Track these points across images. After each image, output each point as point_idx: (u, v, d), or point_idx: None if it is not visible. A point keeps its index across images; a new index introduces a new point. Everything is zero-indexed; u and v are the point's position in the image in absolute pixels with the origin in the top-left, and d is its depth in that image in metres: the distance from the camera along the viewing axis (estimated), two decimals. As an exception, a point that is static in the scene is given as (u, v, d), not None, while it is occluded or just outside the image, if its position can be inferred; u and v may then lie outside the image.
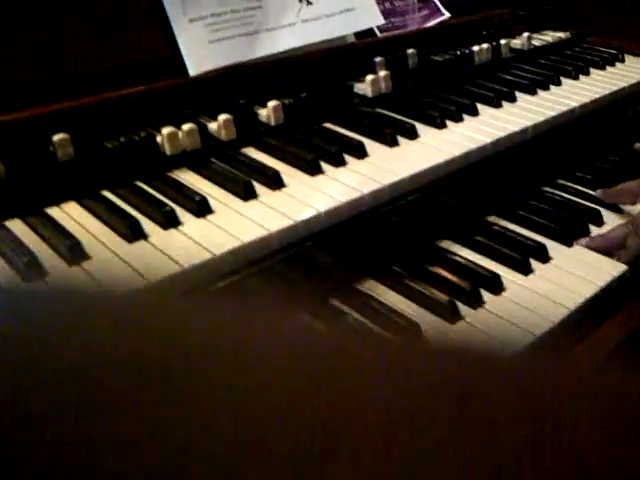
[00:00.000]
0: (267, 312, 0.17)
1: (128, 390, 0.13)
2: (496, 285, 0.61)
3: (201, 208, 0.55)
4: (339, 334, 0.17)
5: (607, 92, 0.90)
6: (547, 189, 0.80)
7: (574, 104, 0.84)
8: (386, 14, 0.86)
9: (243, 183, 0.58)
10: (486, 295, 0.60)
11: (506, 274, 0.63)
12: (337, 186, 0.62)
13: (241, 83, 0.72)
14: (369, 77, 0.78)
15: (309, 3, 0.75)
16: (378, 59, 0.82)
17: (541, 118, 0.79)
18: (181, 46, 0.68)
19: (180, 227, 0.54)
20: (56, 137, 0.57)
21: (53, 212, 0.55)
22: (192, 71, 0.68)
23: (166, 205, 0.55)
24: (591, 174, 0.85)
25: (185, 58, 0.68)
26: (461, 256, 0.66)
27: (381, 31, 0.85)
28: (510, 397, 0.14)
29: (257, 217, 0.56)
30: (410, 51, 0.85)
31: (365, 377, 0.14)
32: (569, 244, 0.69)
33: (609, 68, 1.00)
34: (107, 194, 0.57)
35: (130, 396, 0.13)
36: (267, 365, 0.14)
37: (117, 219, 0.53)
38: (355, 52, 0.82)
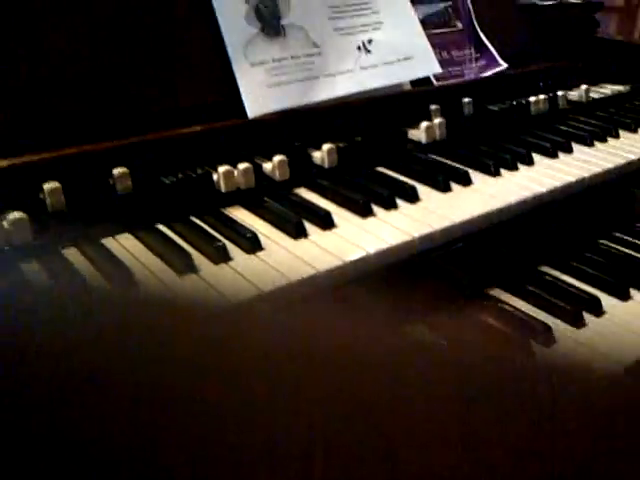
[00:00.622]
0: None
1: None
2: (548, 336, 0.60)
3: (252, 244, 0.56)
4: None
5: (667, 146, 0.88)
6: (604, 242, 0.78)
7: (632, 156, 0.83)
8: (443, 63, 0.88)
9: (294, 222, 0.59)
10: (536, 347, 0.58)
11: (557, 325, 0.61)
12: (387, 229, 0.62)
13: (297, 126, 0.73)
14: (424, 124, 0.79)
15: (368, 51, 0.77)
16: (433, 106, 0.83)
17: (597, 169, 0.78)
18: (241, 89, 0.70)
19: (230, 262, 0.55)
20: (116, 171, 0.60)
21: (108, 243, 0.56)
22: (250, 113, 0.70)
23: (218, 240, 0.56)
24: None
25: (244, 100, 0.70)
26: (512, 305, 0.65)
27: (438, 80, 0.86)
28: None
29: (306, 256, 0.56)
30: (466, 100, 0.86)
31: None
32: (624, 298, 0.66)
33: (670, 123, 0.98)
34: (162, 227, 0.59)
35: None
36: None
37: (169, 252, 0.54)
38: (411, 99, 0.83)
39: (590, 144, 0.85)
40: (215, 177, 0.63)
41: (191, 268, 0.53)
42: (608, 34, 1.26)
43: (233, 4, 0.71)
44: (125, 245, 0.56)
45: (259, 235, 0.58)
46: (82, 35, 0.65)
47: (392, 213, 0.65)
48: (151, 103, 0.67)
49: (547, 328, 0.60)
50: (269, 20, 0.72)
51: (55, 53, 0.63)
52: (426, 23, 0.88)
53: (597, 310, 0.64)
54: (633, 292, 0.67)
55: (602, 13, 2.88)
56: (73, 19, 0.65)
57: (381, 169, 0.75)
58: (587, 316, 0.63)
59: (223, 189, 0.63)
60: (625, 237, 0.81)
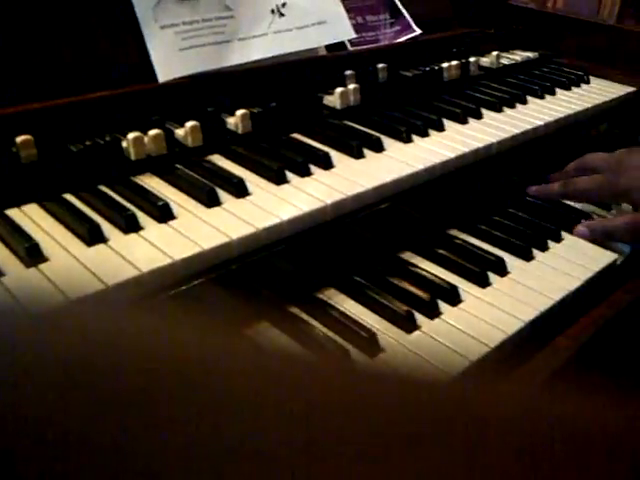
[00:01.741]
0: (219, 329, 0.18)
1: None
2: (454, 297, 0.62)
3: (163, 214, 0.56)
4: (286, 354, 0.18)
5: (571, 112, 0.92)
6: (510, 207, 0.82)
7: (539, 122, 0.86)
8: (358, 29, 0.88)
9: (207, 190, 0.59)
10: (444, 306, 0.61)
11: (465, 287, 0.64)
12: (301, 196, 0.63)
13: (210, 91, 0.72)
14: (338, 89, 0.79)
15: (281, 15, 0.76)
16: (348, 72, 0.83)
17: (506, 135, 0.81)
18: (151, 52, 0.68)
19: (141, 232, 0.54)
20: (19, 138, 0.57)
21: (13, 213, 0.55)
22: (161, 77, 0.68)
23: (128, 209, 0.55)
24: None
25: (155, 64, 0.68)
26: (422, 268, 0.67)
27: (352, 45, 0.87)
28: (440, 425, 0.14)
29: (219, 224, 0.56)
30: (380, 65, 0.86)
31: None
32: (528, 259, 0.70)
33: (574, 89, 1.02)
34: (69, 197, 0.57)
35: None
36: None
37: (77, 222, 0.53)
38: (326, 64, 0.83)
39: (499, 110, 0.88)
40: (124, 144, 0.62)
41: (100, 238, 0.52)
42: (521, 1, 1.30)
43: (141, -37, 0.68)
44: (31, 216, 0.55)
45: (171, 203, 0.57)
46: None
47: (306, 180, 0.66)
48: (57, 67, 0.64)
49: (454, 288, 0.62)
50: (179, -19, 0.70)
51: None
52: (341, -13, 0.88)
53: (502, 271, 0.67)
54: (536, 252, 0.71)
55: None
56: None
57: (296, 135, 0.75)
58: (492, 276, 0.66)
59: (133, 156, 0.62)
60: (532, 201, 0.85)
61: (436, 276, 0.65)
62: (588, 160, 0.84)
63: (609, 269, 0.71)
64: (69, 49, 0.65)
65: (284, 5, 0.76)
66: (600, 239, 0.75)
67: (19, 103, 0.61)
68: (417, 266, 0.67)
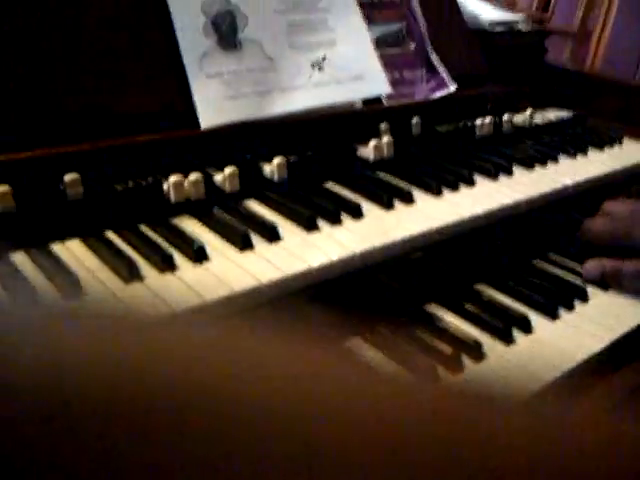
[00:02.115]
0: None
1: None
2: (479, 352, 0.63)
3: (198, 255, 0.58)
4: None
5: (601, 173, 0.93)
6: (537, 262, 0.82)
7: (568, 182, 0.87)
8: (394, 83, 0.91)
9: (241, 234, 0.61)
10: (467, 362, 0.61)
11: (489, 342, 0.65)
12: (331, 243, 0.64)
13: (250, 138, 0.75)
14: (372, 142, 0.81)
15: (321, 68, 0.79)
16: (383, 125, 0.86)
17: (535, 193, 0.82)
18: (196, 100, 0.71)
19: (176, 272, 0.56)
20: (68, 177, 0.61)
21: (57, 248, 0.57)
22: (204, 124, 0.71)
23: (165, 250, 0.57)
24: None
25: (198, 111, 0.71)
26: (447, 321, 0.68)
27: (388, 99, 0.89)
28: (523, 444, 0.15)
29: (251, 268, 0.58)
30: (414, 120, 0.89)
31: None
32: (554, 317, 0.70)
33: (607, 149, 1.03)
34: (110, 235, 0.60)
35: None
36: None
37: (117, 259, 0.55)
38: (361, 117, 0.86)
39: (530, 167, 0.89)
40: (165, 186, 0.65)
41: (137, 276, 0.54)
42: (557, 60, 1.32)
43: (191, 15, 0.72)
44: (74, 251, 0.57)
45: (206, 246, 0.60)
46: (31, 37, 0.65)
47: (337, 228, 0.68)
48: (106, 110, 0.68)
49: (478, 344, 0.63)
50: (226, 33, 0.74)
51: (7, 53, 0.64)
52: (380, 43, 0.91)
53: (526, 328, 0.68)
54: (562, 312, 0.71)
55: (558, 37, 2.99)
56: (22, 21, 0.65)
57: (329, 184, 0.77)
58: (517, 333, 0.67)
59: (173, 199, 0.65)
60: (560, 258, 0.85)
61: (460, 330, 0.66)
62: (606, 206, 0.84)
63: (637, 330, 0.71)
64: (120, 94, 0.69)
65: (324, 59, 0.80)
66: (609, 283, 0.76)
67: (70, 143, 0.64)
68: (442, 319, 0.68)
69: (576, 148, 0.98)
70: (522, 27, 1.18)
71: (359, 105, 0.86)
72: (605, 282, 0.76)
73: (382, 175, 0.81)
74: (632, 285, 0.75)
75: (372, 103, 0.88)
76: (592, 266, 0.77)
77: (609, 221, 0.80)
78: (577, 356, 0.64)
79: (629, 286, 0.75)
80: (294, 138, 0.78)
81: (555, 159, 0.93)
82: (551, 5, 3.17)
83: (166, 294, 0.53)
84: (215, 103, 0.72)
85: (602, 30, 2.59)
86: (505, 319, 0.68)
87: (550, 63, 1.23)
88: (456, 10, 1.06)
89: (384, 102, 0.89)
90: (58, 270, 0.53)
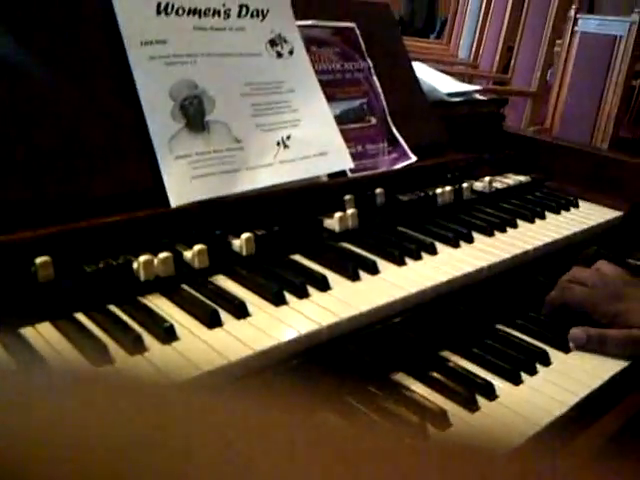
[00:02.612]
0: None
1: None
2: (444, 420, 0.65)
3: (167, 335, 0.59)
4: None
5: (560, 236, 0.97)
6: (501, 327, 0.85)
7: (528, 247, 0.91)
8: (358, 156, 0.95)
9: (209, 311, 0.63)
10: (432, 430, 0.63)
11: (453, 410, 0.66)
12: (298, 317, 0.66)
13: (218, 215, 0.77)
14: (337, 214, 0.85)
15: (286, 147, 0.83)
16: (348, 197, 0.89)
17: (496, 259, 0.85)
18: (165, 180, 0.74)
19: (146, 353, 0.57)
20: (39, 259, 0.62)
21: (28, 332, 0.58)
22: (173, 203, 0.74)
23: (134, 330, 0.59)
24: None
25: (168, 191, 0.74)
26: (412, 390, 0.69)
27: (352, 171, 0.93)
28: None
29: (219, 346, 0.59)
30: (378, 190, 0.93)
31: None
32: (517, 383, 0.72)
33: (564, 213, 1.08)
34: (80, 316, 0.61)
35: None
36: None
37: (86, 342, 0.56)
38: (327, 190, 0.89)
39: (490, 234, 0.93)
40: (135, 265, 0.67)
41: (106, 359, 0.55)
42: (513, 127, 1.38)
43: (160, 101, 0.75)
44: (44, 334, 0.58)
45: (175, 324, 0.61)
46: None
47: (304, 302, 0.70)
48: (78, 194, 0.70)
49: (443, 412, 0.65)
50: (194, 116, 0.77)
51: (-17, 144, 0.66)
52: (343, 118, 0.95)
53: (490, 394, 0.70)
54: (525, 377, 0.74)
55: (519, 97, 3.10)
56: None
57: (296, 257, 0.79)
58: (481, 400, 0.69)
59: (142, 277, 0.66)
60: (522, 323, 0.88)
61: (425, 398, 0.67)
62: (576, 272, 0.89)
63: (598, 391, 0.73)
64: (92, 177, 0.71)
65: (289, 138, 0.83)
66: (594, 347, 0.80)
67: (38, 227, 0.66)
68: (408, 387, 0.70)
69: (534, 213, 1.02)
70: (479, 97, 1.24)
71: (324, 178, 0.89)
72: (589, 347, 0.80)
73: (348, 246, 0.84)
74: (616, 350, 0.79)
75: (337, 176, 0.92)
76: (577, 333, 0.81)
77: (588, 291, 0.84)
78: (542, 421, 0.66)
79: (613, 351, 0.79)
80: (262, 212, 0.81)
81: (514, 225, 0.97)
82: (511, 66, 3.32)
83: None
84: (184, 183, 0.74)
85: (559, 90, 2.71)
86: (469, 386, 0.70)
87: (507, 130, 1.29)
88: (415, 84, 1.11)
89: (348, 174, 0.93)
90: (28, 356, 0.54)
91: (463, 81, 3.32)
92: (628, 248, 1.11)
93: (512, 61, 3.21)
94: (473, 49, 3.60)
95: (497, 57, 3.30)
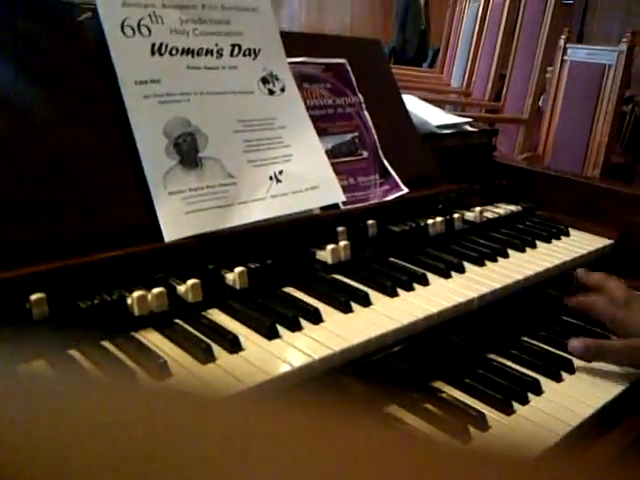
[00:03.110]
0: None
1: None
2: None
3: (161, 371, 0.60)
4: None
5: (551, 265, 0.98)
6: (493, 357, 0.86)
7: (519, 277, 0.92)
8: (350, 189, 0.96)
9: (203, 347, 0.64)
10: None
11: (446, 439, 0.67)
12: (291, 351, 0.67)
13: (212, 249, 0.79)
14: (330, 246, 0.86)
15: (279, 181, 0.84)
16: (340, 229, 0.91)
17: (487, 290, 0.86)
18: (159, 216, 0.75)
19: (139, 388, 0.58)
20: (33, 297, 0.63)
21: (23, 370, 0.59)
22: (167, 238, 0.75)
23: (127, 367, 0.59)
24: (535, 343, 0.91)
25: (162, 226, 0.75)
26: (406, 422, 0.70)
27: (345, 204, 0.94)
28: None
29: (212, 381, 0.60)
30: (370, 222, 0.94)
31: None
32: (508, 413, 0.73)
33: (555, 241, 1.09)
34: (74, 353, 0.62)
35: None
36: None
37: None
38: (319, 223, 0.90)
39: (482, 264, 0.94)
40: (129, 301, 0.67)
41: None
42: (504, 157, 1.40)
43: (154, 138, 0.77)
44: (39, 371, 0.59)
45: (168, 360, 0.62)
46: None
47: (297, 335, 0.70)
48: (72, 230, 0.71)
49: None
50: (187, 153, 0.79)
51: (-20, 184, 0.67)
52: (335, 152, 0.97)
53: (483, 424, 0.70)
54: (517, 406, 0.74)
55: (511, 124, 3.13)
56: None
57: (289, 289, 0.80)
58: (473, 430, 0.69)
59: (136, 313, 0.67)
60: (514, 352, 0.89)
61: (420, 429, 0.68)
62: (600, 280, 0.93)
63: (591, 419, 0.74)
64: (85, 213, 0.73)
65: (281, 173, 0.85)
66: (592, 358, 0.84)
67: (33, 264, 0.67)
68: (401, 419, 0.70)
69: (525, 242, 1.03)
70: (469, 128, 1.27)
71: (317, 211, 0.91)
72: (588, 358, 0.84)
73: (340, 278, 0.85)
74: (616, 359, 0.83)
75: (329, 208, 0.93)
76: (576, 343, 0.85)
77: (609, 303, 0.88)
78: (532, 452, 0.66)
79: (612, 360, 0.83)
80: (255, 246, 0.82)
81: (505, 254, 0.99)
82: (503, 94, 3.36)
83: (129, 412, 0.55)
84: (178, 218, 0.75)
85: (551, 117, 2.75)
86: (462, 416, 0.70)
87: (498, 160, 1.31)
88: (406, 117, 1.13)
89: (341, 207, 0.94)
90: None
91: (456, 109, 3.37)
92: (618, 276, 1.12)
93: (504, 89, 3.26)
94: (465, 77, 3.65)
95: (489, 85, 3.35)
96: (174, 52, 0.82)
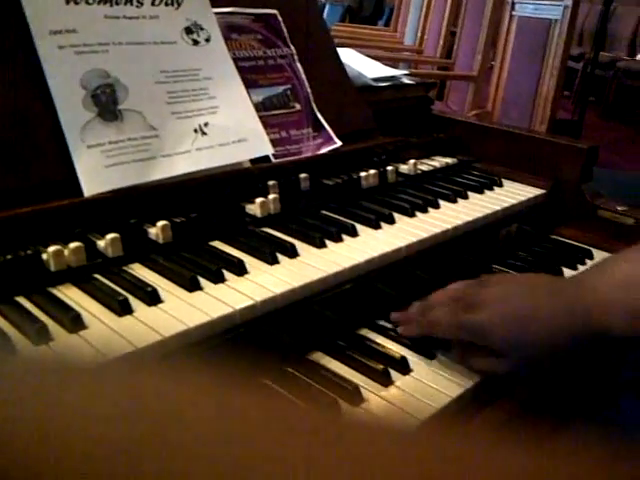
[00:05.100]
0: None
1: None
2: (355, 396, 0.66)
3: (73, 324, 0.59)
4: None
5: (481, 215, 0.99)
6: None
7: (448, 226, 0.93)
8: (281, 142, 0.95)
9: (119, 299, 0.63)
10: (344, 405, 0.65)
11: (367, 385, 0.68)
12: (212, 302, 0.67)
13: (135, 203, 0.77)
14: (259, 199, 0.85)
15: (204, 134, 0.83)
16: (271, 182, 0.90)
17: (414, 239, 0.87)
18: (78, 170, 0.74)
19: (51, 343, 0.58)
20: (-57, 253, 0.61)
21: None
22: (87, 192, 0.74)
23: (39, 321, 0.59)
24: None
25: (81, 180, 0.73)
26: (329, 369, 0.71)
27: (276, 157, 0.94)
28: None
29: (128, 333, 0.60)
30: (302, 175, 0.94)
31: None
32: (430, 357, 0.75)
33: (487, 192, 1.11)
34: (-14, 309, 0.61)
35: None
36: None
37: (-10, 334, 0.56)
38: (249, 176, 0.90)
39: (412, 215, 0.95)
40: (45, 256, 0.66)
41: (11, 351, 0.55)
42: (444, 110, 1.41)
43: (70, 90, 0.75)
44: (-53, 327, 0.58)
45: (84, 313, 0.61)
46: None
47: (219, 286, 0.70)
48: (-16, 185, 0.69)
49: (356, 388, 0.66)
50: (106, 105, 0.77)
51: None
52: (266, 105, 0.96)
53: (405, 369, 0.72)
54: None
55: (464, 82, 3.13)
56: None
57: (216, 243, 0.80)
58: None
59: (52, 268, 0.66)
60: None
61: (339, 375, 0.69)
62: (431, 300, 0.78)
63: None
64: (1, 168, 0.71)
65: (207, 125, 0.84)
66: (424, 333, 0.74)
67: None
68: (325, 367, 0.71)
69: (456, 193, 1.04)
70: (407, 81, 1.26)
71: (247, 165, 0.90)
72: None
73: (269, 231, 0.85)
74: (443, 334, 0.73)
75: (260, 162, 0.92)
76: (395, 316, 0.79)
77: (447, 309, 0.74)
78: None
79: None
80: (182, 200, 0.81)
81: (436, 205, 1.00)
82: (454, 51, 3.36)
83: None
84: (97, 172, 0.74)
85: (499, 73, 2.76)
86: (384, 360, 0.71)
87: (434, 113, 1.32)
88: (341, 69, 1.12)
89: (272, 160, 0.94)
90: None
91: (409, 67, 3.35)
92: (550, 225, 1.15)
93: (455, 46, 3.26)
94: (418, 35, 3.63)
95: (441, 42, 3.34)
96: (91, 1, 0.80)
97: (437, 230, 0.91)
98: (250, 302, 0.68)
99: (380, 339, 0.77)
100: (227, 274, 0.72)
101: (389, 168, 1.04)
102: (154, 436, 0.18)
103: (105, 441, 0.18)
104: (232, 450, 0.18)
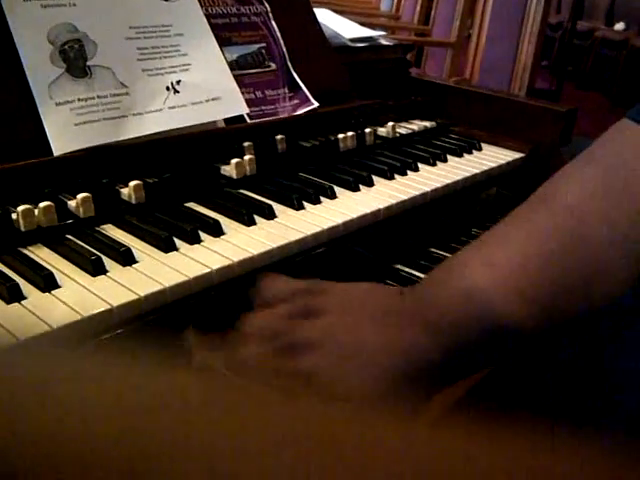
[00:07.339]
0: None
1: None
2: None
3: (47, 283, 0.58)
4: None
5: (460, 178, 0.99)
6: (399, 267, 0.87)
7: (426, 189, 0.92)
8: (257, 102, 0.93)
9: (92, 259, 0.61)
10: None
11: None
12: (188, 263, 0.66)
13: (106, 163, 0.75)
14: (234, 160, 0.84)
15: (176, 92, 0.81)
16: (246, 144, 0.88)
17: (393, 201, 0.86)
18: (47, 128, 0.71)
19: (24, 301, 0.56)
20: None
21: None
22: (56, 151, 0.71)
23: (10, 279, 0.57)
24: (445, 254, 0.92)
25: (50, 139, 0.71)
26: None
27: (252, 118, 0.92)
28: None
29: (103, 293, 0.58)
30: (279, 137, 0.92)
31: None
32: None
33: (466, 155, 1.10)
34: (-47, 269, 0.59)
35: None
36: None
37: (-43, 294, 0.54)
38: (224, 136, 0.88)
39: (391, 177, 0.94)
40: (14, 216, 0.64)
41: (-21, 310, 0.53)
42: (420, 73, 1.39)
43: (37, 45, 0.72)
44: None
45: (57, 273, 0.60)
46: None
47: (195, 247, 0.69)
48: (-52, 143, 0.67)
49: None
50: (75, 61, 0.74)
51: None
52: (240, 64, 0.94)
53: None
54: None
55: (440, 48, 3.11)
56: None
57: (191, 204, 0.78)
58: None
59: (22, 228, 0.64)
60: (423, 263, 0.90)
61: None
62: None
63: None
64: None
65: (179, 82, 0.81)
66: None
67: None
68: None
69: (435, 156, 1.04)
70: (384, 42, 1.24)
71: (222, 124, 0.88)
72: None
73: (246, 192, 0.83)
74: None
75: (235, 122, 0.90)
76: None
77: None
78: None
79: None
80: (155, 160, 0.79)
81: (415, 168, 0.99)
82: (431, 17, 3.33)
83: (11, 324, 0.53)
84: (67, 130, 0.72)
85: (478, 40, 2.74)
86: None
87: (413, 76, 1.30)
88: (317, 29, 1.10)
89: (247, 120, 0.92)
90: None
91: (386, 33, 3.31)
92: (530, 188, 1.15)
93: (432, 12, 3.22)
94: (395, 0, 3.58)
95: (418, 8, 3.30)
96: (57, -49, 0.76)
97: (416, 192, 0.90)
98: (227, 262, 0.67)
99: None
100: (203, 235, 0.71)
101: (367, 130, 1.03)
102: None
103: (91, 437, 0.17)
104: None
